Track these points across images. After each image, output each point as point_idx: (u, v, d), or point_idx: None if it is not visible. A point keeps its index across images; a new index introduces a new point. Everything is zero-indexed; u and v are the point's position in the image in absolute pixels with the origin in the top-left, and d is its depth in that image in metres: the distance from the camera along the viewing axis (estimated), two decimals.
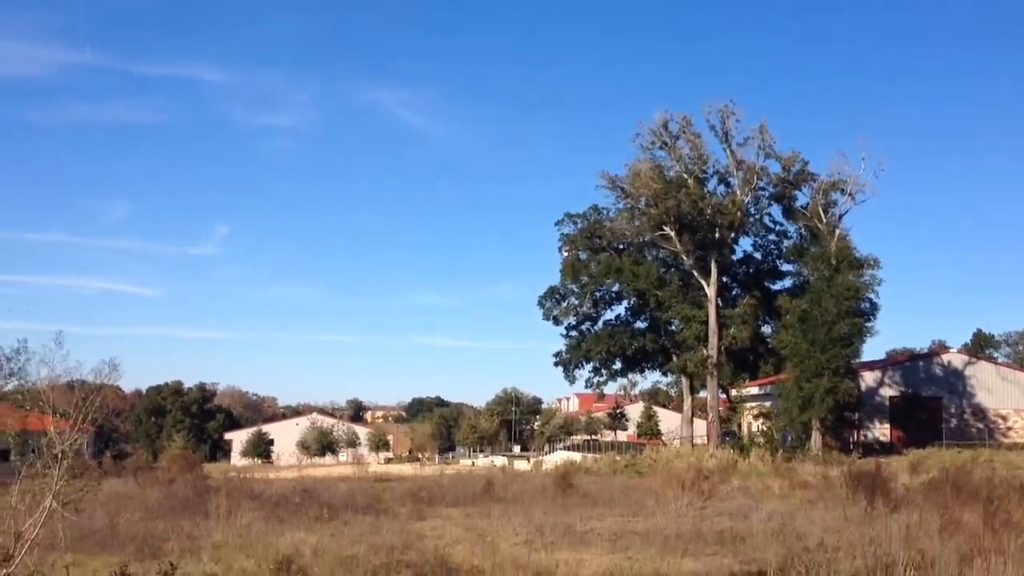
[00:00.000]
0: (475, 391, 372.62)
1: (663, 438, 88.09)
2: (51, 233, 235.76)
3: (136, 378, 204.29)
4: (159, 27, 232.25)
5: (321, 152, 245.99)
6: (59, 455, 11.45)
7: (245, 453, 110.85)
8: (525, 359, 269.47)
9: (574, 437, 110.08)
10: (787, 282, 70.97)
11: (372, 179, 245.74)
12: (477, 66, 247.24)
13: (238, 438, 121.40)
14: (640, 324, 73.29)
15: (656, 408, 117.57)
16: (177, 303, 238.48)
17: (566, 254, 72.65)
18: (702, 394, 73.75)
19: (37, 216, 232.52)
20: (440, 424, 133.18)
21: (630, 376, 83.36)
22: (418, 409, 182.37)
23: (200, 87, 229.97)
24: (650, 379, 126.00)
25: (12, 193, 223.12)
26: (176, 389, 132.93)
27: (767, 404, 65.71)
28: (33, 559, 11.61)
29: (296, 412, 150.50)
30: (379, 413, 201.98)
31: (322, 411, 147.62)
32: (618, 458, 59.18)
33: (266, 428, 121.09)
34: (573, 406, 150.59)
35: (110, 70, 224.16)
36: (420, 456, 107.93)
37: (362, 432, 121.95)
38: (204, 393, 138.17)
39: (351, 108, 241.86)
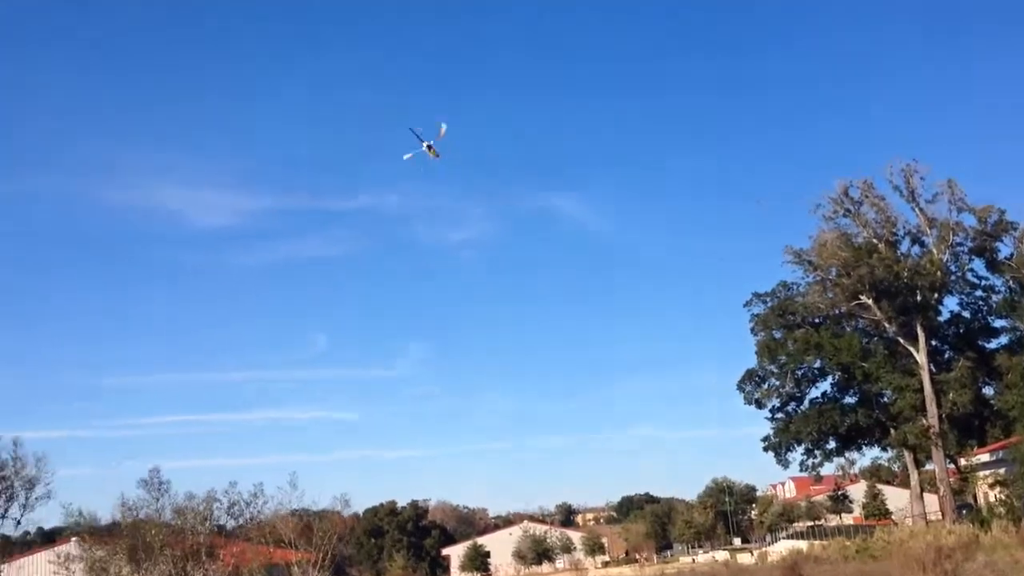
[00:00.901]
0: (684, 484, 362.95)
1: (892, 517, 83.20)
2: (262, 370, 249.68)
3: (352, 501, 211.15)
4: (336, 164, 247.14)
5: (504, 261, 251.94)
6: None
7: (463, 568, 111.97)
8: (732, 446, 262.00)
9: (796, 524, 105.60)
10: (1003, 339, 66.68)
11: (554, 281, 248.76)
12: (638, 161, 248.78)
13: (455, 553, 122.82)
14: (849, 399, 70.12)
15: (880, 486, 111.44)
16: (380, 425, 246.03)
17: (760, 335, 70.93)
18: (928, 467, 69.40)
19: (250, 357, 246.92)
20: (653, 521, 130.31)
21: (846, 455, 79.42)
22: (628, 507, 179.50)
23: (382, 214, 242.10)
24: (868, 456, 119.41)
25: (223, 337, 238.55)
26: (391, 509, 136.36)
27: (1002, 471, 60.94)
28: None
29: (507, 522, 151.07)
30: (589, 515, 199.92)
31: (532, 518, 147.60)
32: (848, 543, 56.26)
33: (481, 540, 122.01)
34: (789, 491, 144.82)
35: (300, 210, 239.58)
36: (638, 557, 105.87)
37: (575, 536, 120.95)
38: (417, 511, 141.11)
39: (524, 215, 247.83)
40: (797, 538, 78.61)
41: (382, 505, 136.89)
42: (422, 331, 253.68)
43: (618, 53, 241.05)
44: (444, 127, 41.51)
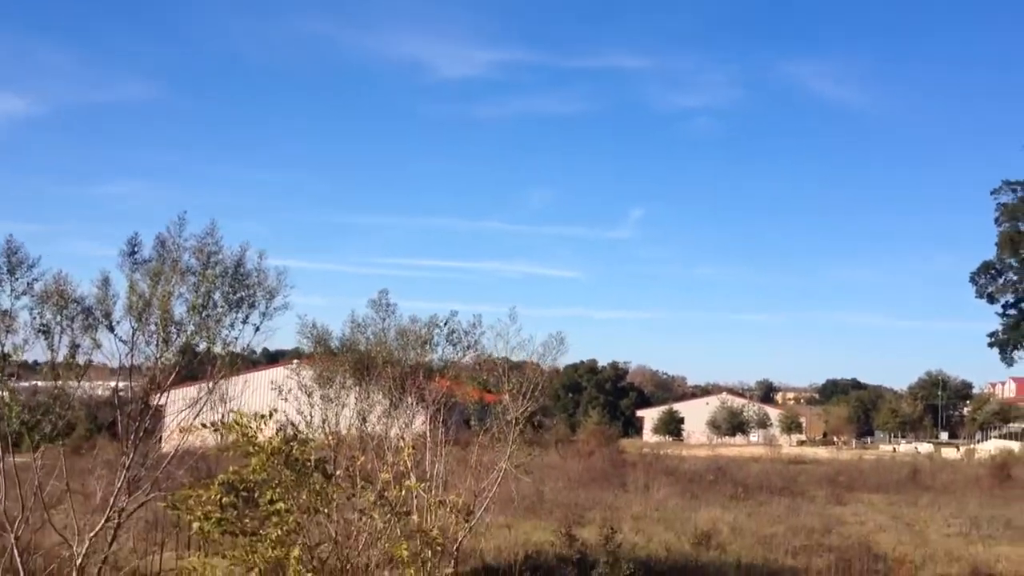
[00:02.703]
0: (896, 373, 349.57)
1: None
2: (486, 221, 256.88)
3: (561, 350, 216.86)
4: (579, 21, 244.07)
5: (741, 131, 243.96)
6: (513, 420, 12.70)
7: (656, 430, 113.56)
8: (952, 339, 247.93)
9: (1011, 425, 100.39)
10: None
11: (791, 156, 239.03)
12: (894, 31, 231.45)
13: (649, 415, 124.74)
14: None
15: None
16: (595, 285, 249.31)
17: (1005, 226, 66.23)
18: None
19: (474, 206, 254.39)
20: (857, 407, 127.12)
21: None
22: (832, 391, 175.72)
23: (620, 74, 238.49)
24: None
25: (456, 186, 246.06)
26: (591, 367, 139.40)
27: None
28: (490, 515, 13.00)
29: (705, 391, 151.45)
30: (790, 395, 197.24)
31: (731, 391, 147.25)
32: None
33: (676, 407, 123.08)
34: (1009, 391, 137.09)
35: (539, 66, 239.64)
36: (836, 440, 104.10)
37: (773, 413, 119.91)
38: (617, 371, 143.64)
39: (769, 85, 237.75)
40: (1011, 439, 74.96)
41: (583, 362, 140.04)
42: (646, 196, 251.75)
43: None
44: None
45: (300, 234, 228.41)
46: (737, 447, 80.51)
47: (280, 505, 8.18)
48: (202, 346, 11.44)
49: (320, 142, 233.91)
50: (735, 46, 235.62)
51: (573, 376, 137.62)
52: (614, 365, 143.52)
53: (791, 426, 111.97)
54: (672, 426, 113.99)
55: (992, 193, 67.67)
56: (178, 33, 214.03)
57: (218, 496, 8.29)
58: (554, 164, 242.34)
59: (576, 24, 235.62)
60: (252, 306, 11.55)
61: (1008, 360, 68.02)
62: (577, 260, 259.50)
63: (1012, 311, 67.23)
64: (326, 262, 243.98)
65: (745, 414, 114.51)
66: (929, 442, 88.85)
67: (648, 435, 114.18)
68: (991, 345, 68.11)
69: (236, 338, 11.61)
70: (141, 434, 10.96)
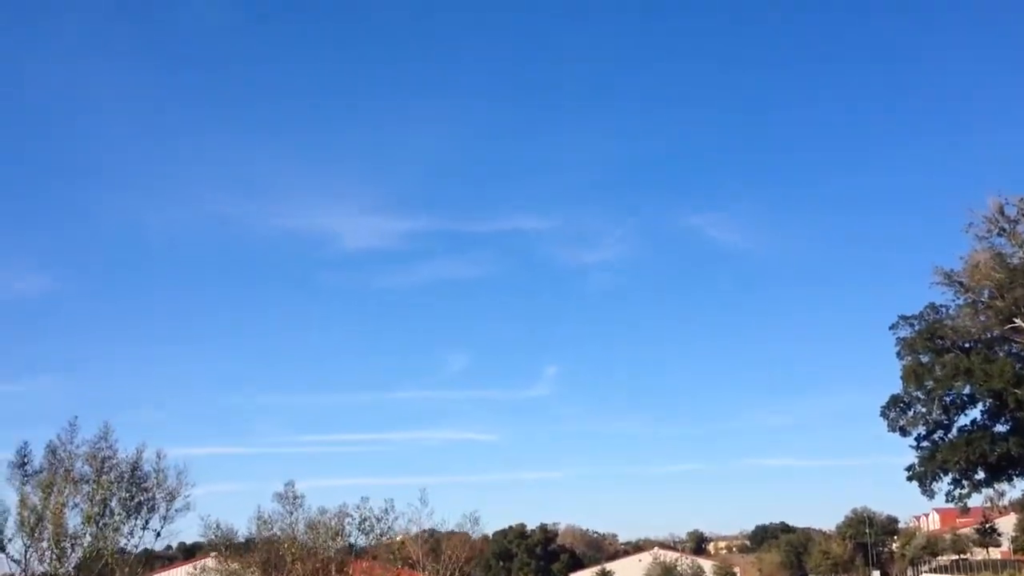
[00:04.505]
0: (822, 514, 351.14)
1: None
2: (400, 391, 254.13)
3: (483, 522, 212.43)
4: (479, 186, 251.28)
5: (643, 281, 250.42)
6: None
7: None
8: (872, 475, 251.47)
9: (939, 558, 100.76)
10: None
11: (694, 302, 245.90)
12: (785, 180, 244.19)
13: None
14: (1000, 427, 66.34)
15: None
16: (515, 447, 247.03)
17: (906, 359, 67.94)
18: None
19: (387, 376, 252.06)
20: (789, 551, 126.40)
21: (996, 486, 75.35)
22: (763, 537, 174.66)
23: (521, 235, 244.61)
24: (1019, 487, 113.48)
25: (366, 358, 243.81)
26: (520, 532, 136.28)
27: None
28: None
29: (637, 548, 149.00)
30: (722, 544, 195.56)
31: (663, 545, 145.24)
32: None
33: (609, 567, 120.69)
34: (934, 523, 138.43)
35: (442, 232, 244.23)
36: None
37: (706, 565, 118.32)
38: (547, 534, 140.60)
39: (667, 236, 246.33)
40: (940, 572, 74.96)
41: (511, 528, 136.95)
42: (562, 351, 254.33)
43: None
44: None
45: (205, 419, 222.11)
46: None
47: None
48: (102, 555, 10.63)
49: (225, 321, 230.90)
50: (633, 201, 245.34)
51: (503, 543, 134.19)
52: (543, 528, 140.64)
53: None
54: None
55: (890, 328, 69.69)
56: (75, 216, 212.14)
57: None
58: (466, 328, 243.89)
59: (474, 189, 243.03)
60: (152, 510, 10.86)
61: (928, 493, 68.29)
62: (496, 422, 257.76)
63: (925, 443, 68.07)
64: (235, 446, 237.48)
65: (679, 569, 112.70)
66: None
67: None
68: (909, 479, 68.53)
69: (136, 546, 10.85)
70: None
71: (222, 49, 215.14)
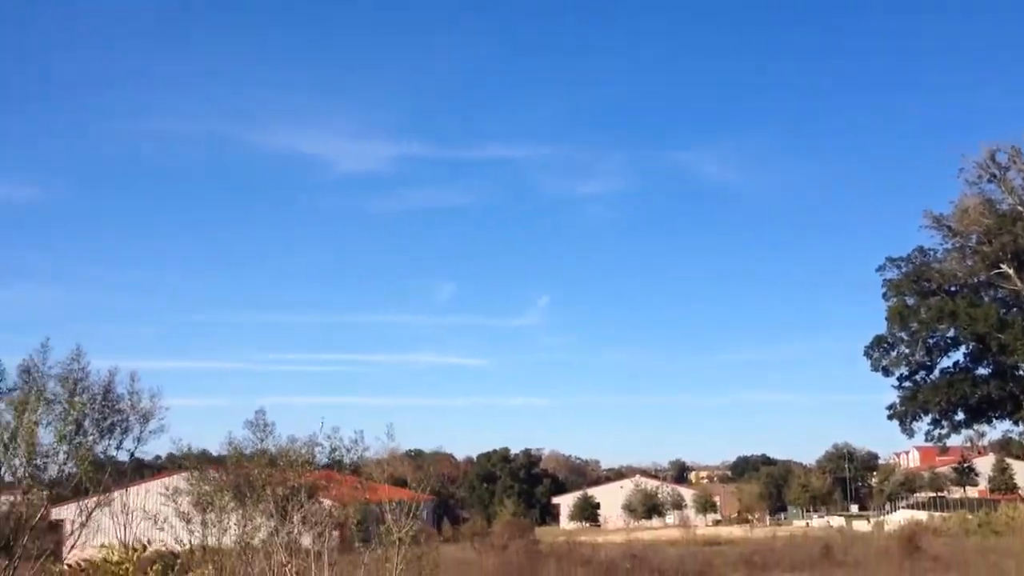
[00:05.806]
0: (803, 448, 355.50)
1: (1020, 493, 79.88)
2: (390, 315, 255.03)
3: (467, 446, 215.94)
4: (471, 113, 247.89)
5: (635, 216, 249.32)
6: (397, 541, 12.20)
7: (572, 517, 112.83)
8: (855, 412, 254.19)
9: (917, 495, 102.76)
10: None
11: (686, 239, 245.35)
12: (784, 116, 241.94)
13: (565, 502, 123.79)
14: (982, 370, 67.25)
15: (1009, 460, 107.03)
16: (502, 373, 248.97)
17: (892, 301, 68.45)
18: None
19: (376, 300, 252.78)
20: (768, 484, 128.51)
21: (975, 427, 76.43)
22: (744, 468, 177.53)
23: (514, 165, 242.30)
24: (999, 429, 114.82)
25: (353, 280, 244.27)
26: (504, 456, 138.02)
27: None
28: None
29: (619, 474, 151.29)
30: (703, 474, 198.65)
31: (645, 473, 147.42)
32: (970, 517, 54.65)
33: (591, 492, 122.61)
34: (913, 461, 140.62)
35: (432, 159, 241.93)
36: (750, 518, 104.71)
37: (687, 494, 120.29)
38: (530, 458, 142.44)
39: (660, 170, 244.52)
40: (918, 508, 76.48)
41: (495, 451, 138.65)
42: (550, 284, 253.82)
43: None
44: None
45: (193, 333, 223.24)
46: (653, 530, 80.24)
47: None
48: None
49: (214, 239, 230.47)
50: (625, 134, 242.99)
51: (487, 466, 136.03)
52: (527, 453, 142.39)
53: (706, 506, 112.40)
54: (588, 512, 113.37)
55: (878, 270, 70.17)
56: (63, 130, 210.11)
57: None
58: (457, 255, 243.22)
59: (466, 115, 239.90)
60: (125, 432, 10.99)
61: (908, 432, 69.49)
62: (484, 349, 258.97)
63: (907, 383, 68.95)
64: (222, 360, 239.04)
65: (660, 496, 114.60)
66: (840, 515, 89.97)
67: (565, 522, 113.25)
68: (890, 418, 69.55)
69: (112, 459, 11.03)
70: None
71: None
